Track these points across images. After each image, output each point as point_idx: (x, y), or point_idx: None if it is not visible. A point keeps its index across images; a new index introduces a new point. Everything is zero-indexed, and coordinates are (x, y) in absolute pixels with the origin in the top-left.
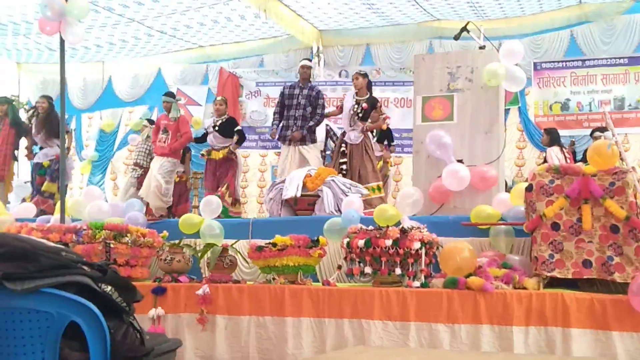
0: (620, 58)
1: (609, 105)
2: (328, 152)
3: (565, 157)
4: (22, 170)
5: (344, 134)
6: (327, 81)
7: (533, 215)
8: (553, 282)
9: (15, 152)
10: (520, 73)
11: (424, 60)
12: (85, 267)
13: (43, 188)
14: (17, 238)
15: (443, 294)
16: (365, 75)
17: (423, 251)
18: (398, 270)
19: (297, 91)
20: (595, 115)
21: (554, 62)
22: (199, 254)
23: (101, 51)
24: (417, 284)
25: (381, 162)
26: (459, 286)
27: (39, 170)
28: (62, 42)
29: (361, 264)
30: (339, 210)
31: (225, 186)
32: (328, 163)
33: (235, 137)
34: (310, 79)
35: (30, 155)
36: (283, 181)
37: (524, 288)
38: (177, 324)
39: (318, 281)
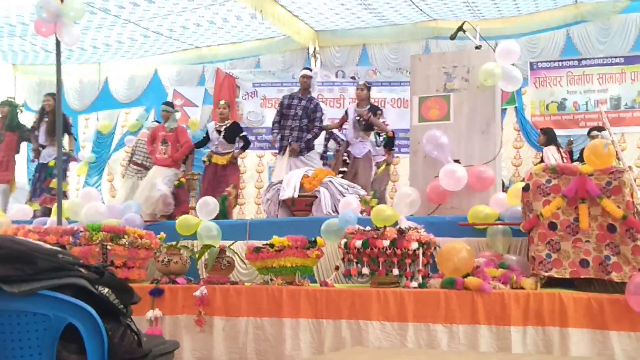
0: (616, 57)
1: (605, 104)
2: (330, 153)
3: (562, 157)
4: (20, 172)
5: (347, 144)
6: (324, 82)
7: (530, 215)
8: (550, 282)
9: (15, 156)
10: (517, 73)
11: (420, 61)
12: (82, 269)
13: (52, 185)
14: (14, 240)
15: (441, 294)
16: (369, 88)
17: (420, 251)
18: (396, 271)
19: (295, 101)
20: (591, 115)
21: (550, 61)
22: (197, 256)
23: (97, 52)
24: (414, 284)
25: (383, 166)
26: (457, 286)
27: (47, 171)
28: (58, 43)
29: (359, 265)
30: (336, 211)
31: (232, 186)
32: (330, 162)
33: (241, 143)
34: (311, 89)
35: (38, 156)
36: (280, 182)
37: (522, 288)
38: (174, 325)
39: (316, 282)
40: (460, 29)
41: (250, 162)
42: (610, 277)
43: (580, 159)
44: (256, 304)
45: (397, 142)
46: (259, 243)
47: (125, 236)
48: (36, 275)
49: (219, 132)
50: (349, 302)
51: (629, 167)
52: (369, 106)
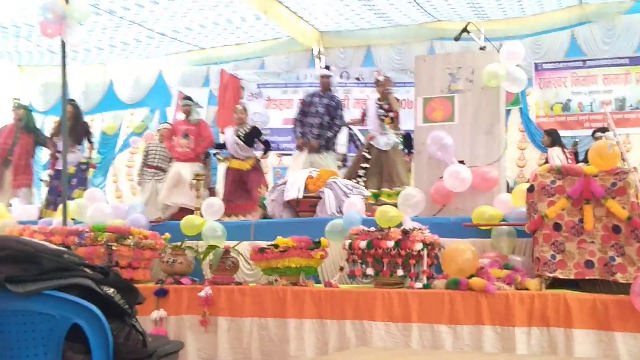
0: (621, 58)
1: (610, 105)
2: (351, 155)
3: (567, 158)
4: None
5: (371, 138)
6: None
7: (535, 216)
8: (555, 283)
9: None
10: (521, 74)
11: (425, 61)
12: (88, 270)
13: (74, 196)
14: (19, 241)
15: (445, 295)
16: (389, 81)
17: (425, 252)
18: (400, 272)
19: (316, 99)
20: (596, 116)
21: (554, 62)
22: (201, 256)
23: (102, 53)
24: (419, 285)
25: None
26: (461, 287)
27: (68, 176)
28: (63, 44)
29: (363, 266)
30: (341, 212)
31: (262, 188)
32: (349, 167)
33: (263, 147)
34: (331, 88)
35: (55, 161)
36: (285, 183)
37: (526, 289)
38: (179, 325)
39: (320, 283)
40: (464, 30)
41: None
42: (615, 278)
43: (585, 160)
44: (261, 305)
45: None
46: (263, 244)
47: (130, 237)
48: (42, 276)
49: (238, 136)
50: (353, 303)
51: (634, 168)
52: (388, 98)
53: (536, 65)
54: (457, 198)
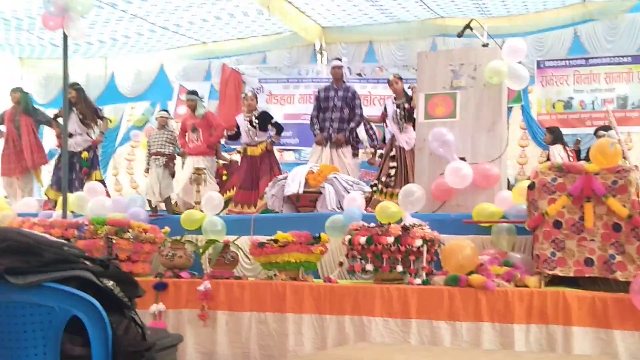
0: (623, 57)
1: (612, 104)
2: (361, 150)
3: (569, 156)
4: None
5: (393, 138)
6: (330, 78)
7: (535, 213)
8: (554, 280)
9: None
10: (523, 71)
11: (427, 58)
12: (88, 262)
13: (94, 178)
14: (20, 232)
15: (444, 291)
16: (402, 79)
17: (425, 249)
18: (399, 268)
19: (332, 93)
20: (598, 114)
21: (557, 60)
22: (201, 250)
23: (104, 47)
24: (418, 281)
25: None
26: (461, 284)
27: (82, 162)
28: (65, 37)
29: (363, 261)
30: (341, 207)
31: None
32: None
33: (273, 130)
34: (344, 79)
35: (60, 143)
36: (285, 177)
37: (526, 286)
38: (178, 319)
39: (319, 278)
40: (467, 26)
41: None
42: (615, 276)
43: (587, 158)
44: (260, 299)
45: None
46: (263, 238)
47: (130, 230)
48: (42, 267)
49: (251, 123)
50: (353, 299)
51: (635, 166)
52: (405, 96)
53: (538, 62)
54: (457, 195)
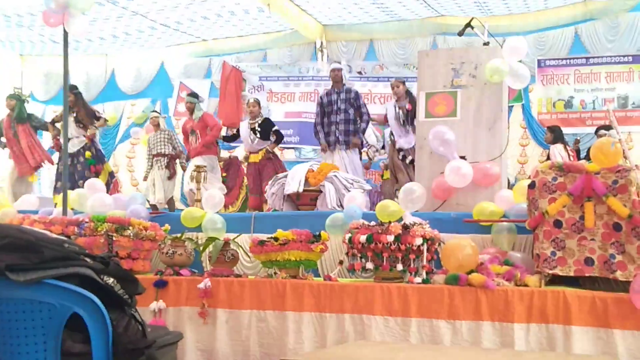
0: (624, 56)
1: (612, 103)
2: (366, 150)
3: (569, 155)
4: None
5: (394, 142)
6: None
7: (535, 212)
8: (555, 280)
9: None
10: (524, 70)
11: (428, 56)
12: (88, 259)
13: (105, 169)
14: (20, 229)
15: (444, 290)
16: (404, 83)
17: (425, 247)
18: (399, 266)
19: (334, 97)
20: (598, 114)
21: (558, 59)
22: (201, 248)
23: (104, 44)
24: (418, 280)
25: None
26: (461, 283)
27: (87, 161)
28: (65, 34)
29: (363, 260)
30: (341, 206)
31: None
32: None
33: (273, 138)
34: (343, 81)
35: (58, 144)
36: (285, 176)
37: (526, 285)
38: (178, 317)
39: (319, 276)
40: (468, 25)
41: None
42: (615, 275)
43: (587, 158)
44: (260, 297)
45: None
46: (263, 236)
47: (130, 227)
48: (42, 264)
49: (253, 130)
50: (353, 297)
51: (636, 165)
52: (408, 98)
53: (539, 61)
54: (458, 193)
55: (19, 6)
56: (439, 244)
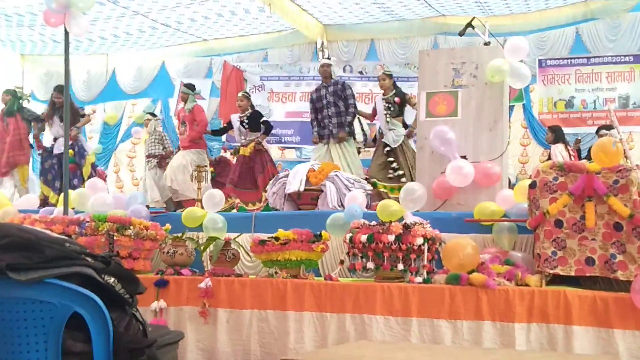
0: (625, 56)
1: (613, 103)
2: (361, 144)
3: (570, 155)
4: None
5: (382, 135)
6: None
7: (536, 212)
8: (555, 280)
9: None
10: (525, 70)
11: (429, 56)
12: (89, 259)
13: (88, 164)
14: (21, 228)
15: (445, 290)
16: (391, 76)
17: (426, 247)
18: (400, 266)
19: (323, 91)
20: (599, 113)
21: (559, 59)
22: (202, 247)
23: (105, 44)
24: (419, 279)
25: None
26: (462, 282)
27: (70, 160)
28: (66, 34)
29: (364, 259)
30: (342, 206)
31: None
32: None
33: (263, 128)
34: (332, 76)
35: (39, 144)
36: (286, 175)
37: (527, 285)
38: (179, 316)
39: (320, 276)
40: (469, 25)
41: None
42: (616, 275)
43: (588, 157)
44: (260, 297)
45: None
46: (264, 236)
47: (131, 227)
48: (43, 264)
49: (242, 123)
50: (353, 297)
51: (637, 165)
52: (393, 91)
53: (540, 61)
54: (459, 193)
55: (19, 5)
56: (440, 244)
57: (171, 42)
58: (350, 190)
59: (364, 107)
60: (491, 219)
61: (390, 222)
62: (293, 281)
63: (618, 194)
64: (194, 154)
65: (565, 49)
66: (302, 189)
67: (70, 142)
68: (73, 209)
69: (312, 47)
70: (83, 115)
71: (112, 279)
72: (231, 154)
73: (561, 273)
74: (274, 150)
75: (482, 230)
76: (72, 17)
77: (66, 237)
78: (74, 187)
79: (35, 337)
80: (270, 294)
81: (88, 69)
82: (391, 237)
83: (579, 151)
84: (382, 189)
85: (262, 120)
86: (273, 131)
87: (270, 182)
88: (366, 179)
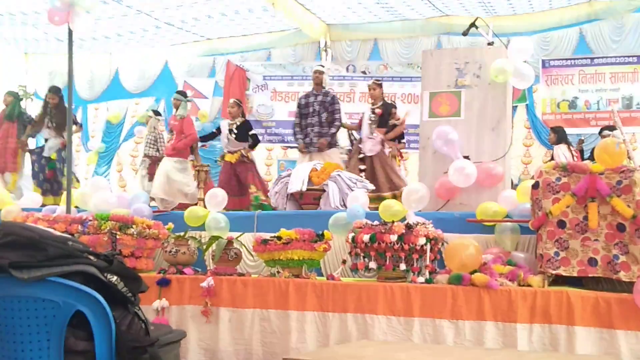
0: (629, 57)
1: (617, 103)
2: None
3: (573, 156)
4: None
5: (360, 141)
6: (335, 76)
7: (539, 212)
8: (558, 280)
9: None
10: (529, 70)
11: (432, 56)
12: (92, 257)
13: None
14: (24, 227)
15: (447, 290)
16: (381, 85)
17: (428, 247)
18: (403, 266)
19: (311, 99)
20: (602, 114)
21: (562, 59)
22: (204, 247)
23: (109, 42)
24: (421, 279)
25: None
26: (464, 282)
27: (49, 164)
28: (70, 32)
29: (366, 259)
30: (344, 205)
31: (254, 189)
32: (345, 163)
33: (250, 141)
34: (324, 84)
35: (26, 147)
36: (289, 175)
37: (529, 285)
38: (181, 315)
39: (322, 275)
40: (472, 25)
41: (259, 155)
42: (619, 276)
43: (591, 158)
44: (263, 296)
45: (407, 137)
46: (266, 235)
47: (134, 226)
48: (46, 262)
49: (230, 131)
50: (356, 296)
51: None
52: (381, 102)
53: (543, 62)
54: (461, 193)
55: (23, 4)
56: (442, 244)
57: (174, 41)
58: (352, 190)
59: (365, 106)
60: (494, 219)
61: (393, 222)
62: (295, 281)
63: (621, 195)
64: (177, 162)
65: (569, 49)
66: (304, 188)
67: (59, 148)
68: (76, 207)
69: (315, 47)
70: (76, 123)
71: (115, 278)
72: (215, 161)
73: (564, 274)
74: (276, 150)
75: (485, 231)
76: (76, 15)
77: (69, 236)
78: (56, 193)
79: (38, 335)
80: (273, 294)
81: (91, 68)
82: (394, 237)
83: (582, 152)
84: None
85: (250, 133)
86: (276, 130)
87: (273, 181)
88: None
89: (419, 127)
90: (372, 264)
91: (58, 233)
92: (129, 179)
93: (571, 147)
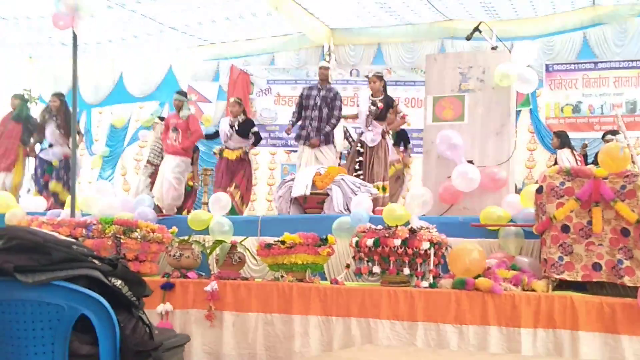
0: (633, 61)
1: (620, 108)
2: (344, 152)
3: (576, 160)
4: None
5: (361, 134)
6: (338, 80)
7: (543, 217)
8: (562, 285)
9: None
10: (532, 74)
11: (436, 60)
12: (96, 261)
13: (50, 188)
14: (29, 231)
15: (451, 294)
16: (381, 78)
17: (432, 251)
18: (406, 270)
19: (314, 92)
20: (606, 118)
21: (566, 64)
22: (208, 251)
23: (113, 47)
24: (425, 284)
25: (400, 165)
26: (468, 287)
27: (47, 168)
28: (74, 37)
29: (369, 263)
30: (348, 210)
31: (234, 186)
32: (344, 163)
33: (252, 139)
34: (329, 80)
35: (33, 152)
36: (292, 179)
37: (533, 290)
38: (185, 319)
39: (326, 280)
40: (476, 29)
41: (263, 159)
42: (623, 281)
43: (595, 162)
44: (266, 300)
45: (410, 141)
46: (270, 239)
47: (138, 230)
48: (50, 266)
49: (232, 127)
50: (359, 301)
51: None
52: (382, 96)
53: (547, 66)
54: (465, 198)
55: (28, 9)
56: (446, 248)
57: (178, 46)
58: (356, 195)
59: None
60: (498, 223)
61: (397, 226)
62: (299, 285)
63: (625, 200)
64: (183, 160)
65: (573, 53)
66: (308, 192)
67: (62, 159)
68: (80, 211)
69: (319, 51)
70: (79, 133)
71: (119, 282)
72: (214, 153)
73: (568, 278)
74: (280, 154)
75: (489, 235)
76: (81, 20)
77: (73, 240)
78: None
79: (43, 339)
80: (276, 298)
81: (96, 72)
82: (397, 242)
83: (585, 156)
84: None
85: (253, 130)
86: (279, 134)
87: (276, 185)
88: None
89: (422, 131)
90: (376, 269)
91: (62, 237)
92: (133, 183)
93: (575, 152)
